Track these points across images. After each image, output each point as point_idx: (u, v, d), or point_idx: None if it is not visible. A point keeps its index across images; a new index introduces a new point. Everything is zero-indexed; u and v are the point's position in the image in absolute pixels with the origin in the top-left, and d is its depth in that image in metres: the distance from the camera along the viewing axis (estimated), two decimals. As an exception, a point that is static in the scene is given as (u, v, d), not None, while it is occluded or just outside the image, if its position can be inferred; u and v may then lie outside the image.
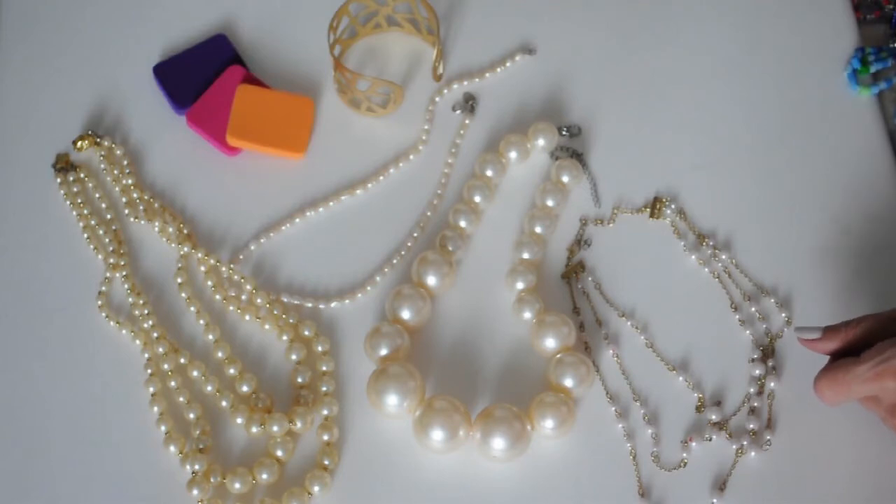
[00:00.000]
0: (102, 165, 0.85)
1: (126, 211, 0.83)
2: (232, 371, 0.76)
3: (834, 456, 0.73)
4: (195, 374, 0.76)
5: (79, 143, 0.85)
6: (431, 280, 0.79)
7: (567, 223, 0.83)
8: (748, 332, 0.77)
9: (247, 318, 0.79)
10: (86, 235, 0.82)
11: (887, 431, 0.72)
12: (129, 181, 0.84)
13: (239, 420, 0.75)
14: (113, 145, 0.85)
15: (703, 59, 0.89)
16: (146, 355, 0.77)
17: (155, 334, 0.78)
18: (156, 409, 0.75)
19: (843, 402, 0.70)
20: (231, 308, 0.79)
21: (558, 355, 0.75)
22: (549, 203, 0.82)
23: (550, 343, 0.76)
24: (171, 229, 0.81)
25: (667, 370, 0.76)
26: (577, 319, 0.79)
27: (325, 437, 0.74)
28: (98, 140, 0.85)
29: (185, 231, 0.82)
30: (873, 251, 0.80)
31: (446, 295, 0.80)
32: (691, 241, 0.81)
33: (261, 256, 0.82)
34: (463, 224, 0.82)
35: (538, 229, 0.81)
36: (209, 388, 0.76)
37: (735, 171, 0.84)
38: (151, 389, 0.76)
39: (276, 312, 0.79)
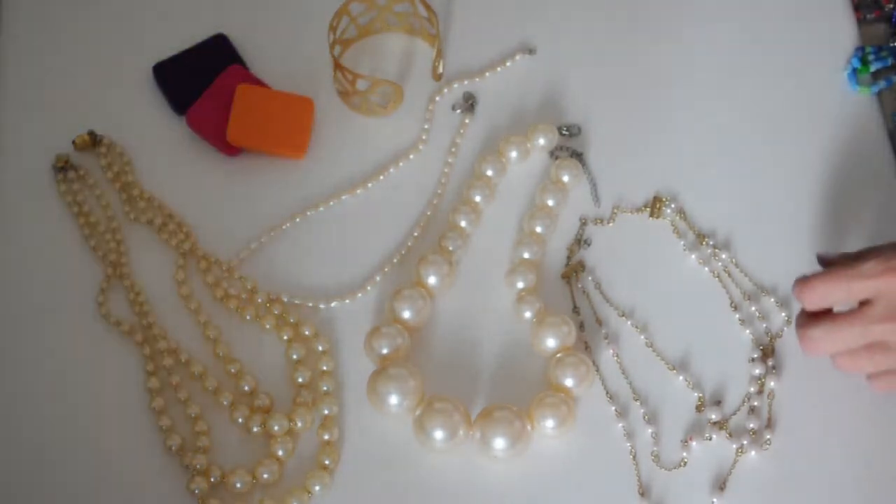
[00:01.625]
0: (102, 165, 0.85)
1: (126, 210, 0.83)
2: (232, 370, 0.76)
3: (834, 455, 0.73)
4: (195, 373, 0.76)
5: (79, 143, 0.85)
6: (431, 280, 0.79)
7: (567, 223, 0.83)
8: (748, 331, 0.77)
9: (247, 317, 0.79)
10: (86, 234, 0.82)
11: (887, 432, 0.72)
12: (129, 181, 0.84)
13: (239, 419, 0.75)
14: (113, 145, 0.85)
15: (703, 59, 0.89)
16: (146, 354, 0.77)
17: (154, 333, 0.78)
18: (155, 408, 0.75)
19: (829, 330, 0.66)
20: (231, 308, 0.79)
21: (558, 355, 0.75)
22: (549, 202, 0.82)
23: (550, 343, 0.76)
24: (170, 229, 0.81)
25: (667, 370, 0.76)
26: (577, 319, 0.79)
27: (325, 437, 0.74)
28: (98, 140, 0.85)
29: (185, 231, 0.82)
30: (873, 251, 0.80)
31: (446, 295, 0.80)
32: (691, 240, 0.81)
33: (261, 256, 0.82)
34: (463, 224, 0.82)
35: (538, 229, 0.81)
36: (209, 387, 0.76)
37: (735, 170, 0.84)
38: (151, 388, 0.76)
39: (276, 312, 0.79)
